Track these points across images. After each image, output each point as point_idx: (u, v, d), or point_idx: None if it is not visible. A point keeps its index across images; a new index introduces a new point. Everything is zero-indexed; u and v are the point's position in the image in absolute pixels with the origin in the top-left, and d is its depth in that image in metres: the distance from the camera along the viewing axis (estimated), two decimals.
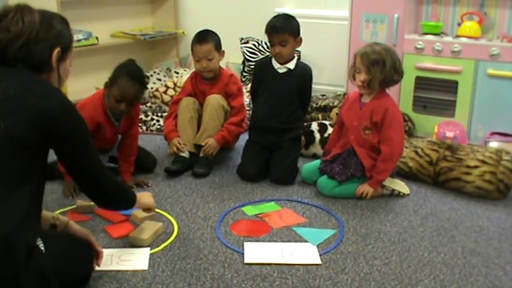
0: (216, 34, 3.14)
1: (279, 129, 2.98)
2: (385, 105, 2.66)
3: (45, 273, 1.60)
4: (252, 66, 4.24)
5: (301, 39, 2.97)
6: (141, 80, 2.71)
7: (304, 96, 3.03)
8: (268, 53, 4.15)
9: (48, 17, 1.75)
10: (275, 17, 2.98)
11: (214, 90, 3.13)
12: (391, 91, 2.75)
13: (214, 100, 3.05)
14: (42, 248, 1.66)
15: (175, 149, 3.01)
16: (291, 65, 2.96)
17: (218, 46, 3.11)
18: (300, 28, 2.96)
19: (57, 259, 1.69)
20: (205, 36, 3.08)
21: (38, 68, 1.73)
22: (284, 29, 2.88)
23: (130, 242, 2.25)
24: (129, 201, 2.08)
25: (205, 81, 3.15)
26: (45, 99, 1.66)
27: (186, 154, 3.01)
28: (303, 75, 2.99)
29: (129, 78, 2.66)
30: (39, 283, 1.58)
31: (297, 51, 4.15)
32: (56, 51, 1.75)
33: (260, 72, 3.06)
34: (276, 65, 2.97)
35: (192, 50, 3.11)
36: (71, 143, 1.73)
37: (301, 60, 4.18)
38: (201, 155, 3.02)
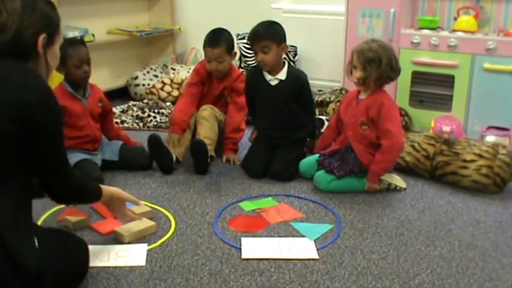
0: (229, 34, 3.11)
1: (282, 137, 2.97)
2: (380, 99, 2.66)
3: (39, 271, 1.57)
4: (249, 62, 4.25)
5: (286, 46, 2.91)
6: (81, 42, 2.93)
7: (303, 100, 2.97)
8: None
9: (30, 1, 1.67)
10: (258, 24, 2.90)
11: (221, 85, 3.15)
12: (388, 86, 2.75)
13: (207, 111, 3.05)
14: (36, 245, 1.62)
15: (171, 144, 3.02)
16: (282, 75, 2.90)
17: (230, 48, 3.08)
18: (286, 34, 2.89)
19: (51, 256, 1.66)
20: (218, 40, 3.04)
21: (23, 56, 1.66)
22: (265, 35, 2.81)
23: (114, 236, 2.26)
24: (92, 197, 2.00)
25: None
26: (23, 87, 1.58)
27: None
28: (295, 83, 2.91)
29: (74, 45, 2.83)
30: (34, 281, 1.56)
31: (293, 46, 4.16)
32: (42, 37, 1.67)
33: (252, 84, 3.01)
34: (267, 76, 2.91)
35: (203, 49, 3.09)
36: (45, 134, 1.65)
37: (298, 55, 4.22)
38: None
